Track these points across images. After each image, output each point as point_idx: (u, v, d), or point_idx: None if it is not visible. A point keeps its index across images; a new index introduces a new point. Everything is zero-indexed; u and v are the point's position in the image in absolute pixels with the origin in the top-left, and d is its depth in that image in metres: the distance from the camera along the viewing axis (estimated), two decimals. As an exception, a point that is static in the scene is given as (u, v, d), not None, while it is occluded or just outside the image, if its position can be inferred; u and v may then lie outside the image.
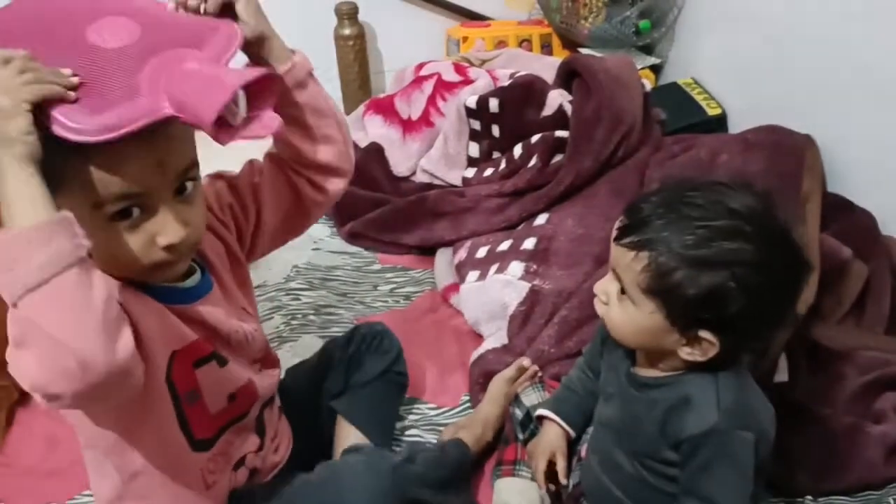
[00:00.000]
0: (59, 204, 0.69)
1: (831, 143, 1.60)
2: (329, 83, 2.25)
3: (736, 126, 1.90)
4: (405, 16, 2.28)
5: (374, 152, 1.90)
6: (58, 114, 0.70)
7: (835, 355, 1.31)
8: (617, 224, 0.91)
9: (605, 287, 0.93)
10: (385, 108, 1.98)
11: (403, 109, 1.95)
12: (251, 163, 1.01)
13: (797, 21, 1.70)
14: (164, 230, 0.79)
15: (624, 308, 0.90)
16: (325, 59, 2.22)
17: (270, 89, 0.78)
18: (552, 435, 1.10)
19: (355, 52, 2.20)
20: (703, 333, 0.86)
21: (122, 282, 0.79)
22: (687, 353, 0.89)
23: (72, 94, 0.71)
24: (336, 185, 1.00)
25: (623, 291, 0.90)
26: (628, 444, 0.98)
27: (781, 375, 1.25)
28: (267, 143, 1.00)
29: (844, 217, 1.53)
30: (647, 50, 2.24)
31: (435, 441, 1.28)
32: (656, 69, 2.21)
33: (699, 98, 1.98)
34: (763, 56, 1.83)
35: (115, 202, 0.76)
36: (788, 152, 1.57)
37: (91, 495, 1.21)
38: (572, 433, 1.10)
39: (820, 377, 1.28)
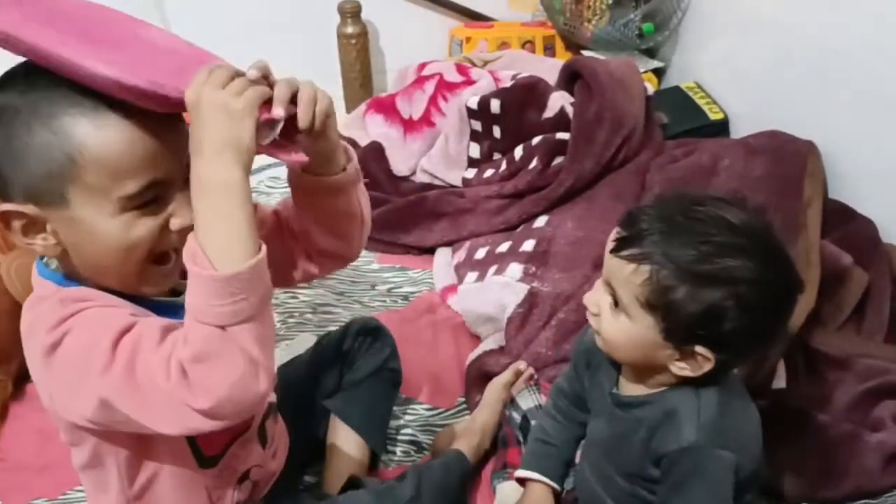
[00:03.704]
0: (80, 195, 0.73)
1: (833, 150, 1.59)
2: (331, 81, 2.25)
3: (738, 131, 1.89)
4: (408, 15, 2.28)
5: (375, 151, 1.90)
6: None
7: (833, 362, 1.30)
8: (613, 235, 0.89)
9: (597, 299, 0.91)
10: (386, 108, 1.97)
11: (405, 109, 1.94)
12: (255, 207, 0.99)
13: (800, 27, 1.69)
14: (178, 212, 0.78)
15: (618, 321, 0.89)
16: (328, 57, 2.21)
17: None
18: (538, 495, 1.08)
19: (357, 50, 2.20)
20: (699, 349, 0.85)
21: (123, 297, 0.79)
22: (679, 368, 0.88)
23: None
24: (334, 266, 0.99)
25: (616, 304, 0.88)
26: (617, 461, 0.97)
27: (779, 382, 1.24)
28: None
29: (845, 224, 1.52)
30: (651, 53, 2.24)
31: (429, 442, 1.28)
32: (659, 73, 2.21)
33: (702, 102, 1.97)
34: (766, 61, 1.82)
35: (144, 191, 0.76)
36: (790, 158, 1.57)
37: (82, 491, 1.21)
38: (559, 487, 1.08)
39: (818, 384, 1.28)
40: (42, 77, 0.73)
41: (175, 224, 0.79)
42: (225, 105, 0.69)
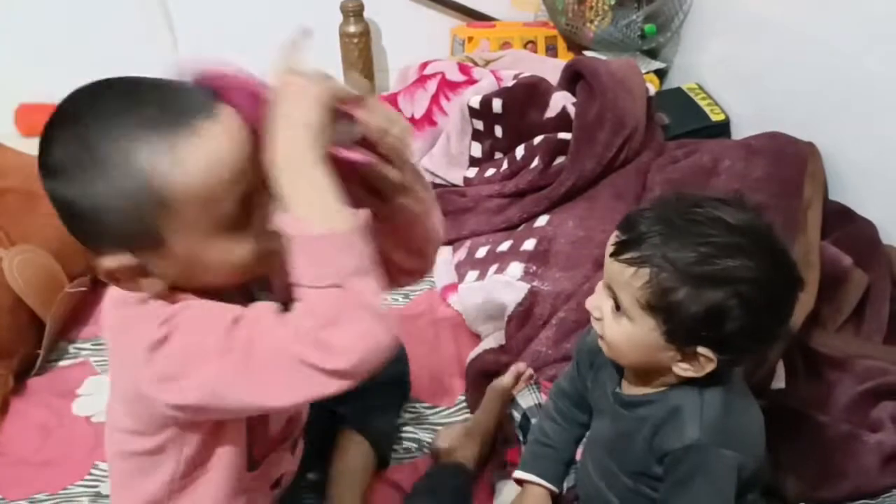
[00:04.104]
0: (174, 229, 0.73)
1: (834, 151, 1.59)
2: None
3: (739, 132, 1.90)
4: (411, 14, 2.28)
5: (376, 150, 1.90)
6: None
7: (833, 363, 1.31)
8: (612, 240, 0.89)
9: (598, 303, 0.91)
10: (388, 107, 1.97)
11: (407, 108, 1.94)
12: None
13: (802, 28, 1.70)
14: (270, 214, 0.77)
15: (620, 324, 0.89)
16: (330, 56, 2.22)
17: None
18: (535, 498, 1.08)
19: (360, 49, 2.20)
20: (702, 350, 0.85)
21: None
22: (682, 370, 0.88)
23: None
24: (409, 281, 0.98)
25: (618, 307, 0.88)
26: (622, 459, 0.97)
27: (778, 382, 1.24)
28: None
29: (845, 225, 1.52)
30: (652, 54, 2.24)
31: (430, 440, 1.28)
32: (661, 74, 2.21)
33: (703, 103, 1.98)
34: (768, 63, 1.83)
35: (240, 205, 0.75)
36: (791, 159, 1.57)
37: (82, 486, 1.21)
38: (556, 490, 1.08)
39: (817, 385, 1.28)
40: (87, 125, 0.71)
41: (273, 223, 0.76)
42: (304, 89, 0.73)
